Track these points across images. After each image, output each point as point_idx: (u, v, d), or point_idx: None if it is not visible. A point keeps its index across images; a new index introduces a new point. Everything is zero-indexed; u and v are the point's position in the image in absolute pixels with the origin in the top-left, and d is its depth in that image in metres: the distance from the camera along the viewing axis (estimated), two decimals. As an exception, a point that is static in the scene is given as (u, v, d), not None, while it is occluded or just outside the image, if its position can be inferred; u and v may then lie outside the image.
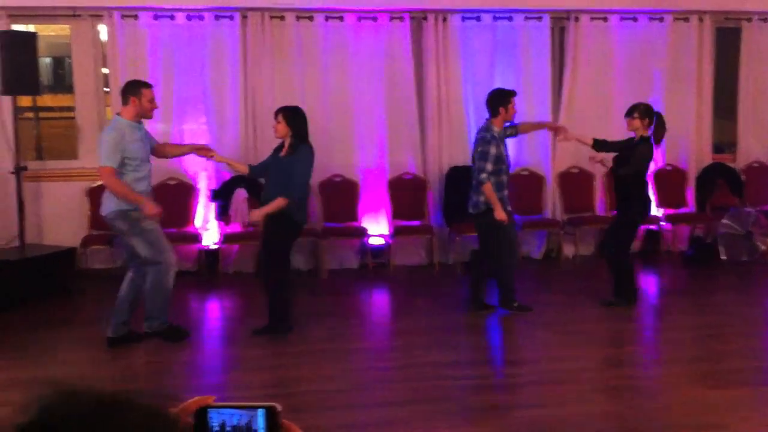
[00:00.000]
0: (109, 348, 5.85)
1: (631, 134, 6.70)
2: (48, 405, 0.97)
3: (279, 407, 1.21)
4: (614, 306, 6.75)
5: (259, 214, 5.95)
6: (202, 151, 6.30)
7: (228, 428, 1.20)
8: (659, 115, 6.66)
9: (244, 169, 6.35)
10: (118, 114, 5.84)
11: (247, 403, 1.22)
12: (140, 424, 0.99)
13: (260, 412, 1.20)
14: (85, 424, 0.96)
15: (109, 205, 5.74)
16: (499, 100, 6.47)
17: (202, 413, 1.20)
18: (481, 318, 6.63)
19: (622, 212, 6.76)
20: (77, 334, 6.46)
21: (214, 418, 1.20)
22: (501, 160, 6.40)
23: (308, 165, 6.00)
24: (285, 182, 5.85)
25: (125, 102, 5.77)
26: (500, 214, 6.33)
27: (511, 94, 6.55)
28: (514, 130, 6.74)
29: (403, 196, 8.53)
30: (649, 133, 6.58)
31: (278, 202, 5.81)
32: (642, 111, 6.60)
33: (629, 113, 6.65)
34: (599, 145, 6.93)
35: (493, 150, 6.34)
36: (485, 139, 6.40)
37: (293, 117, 6.00)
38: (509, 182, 6.63)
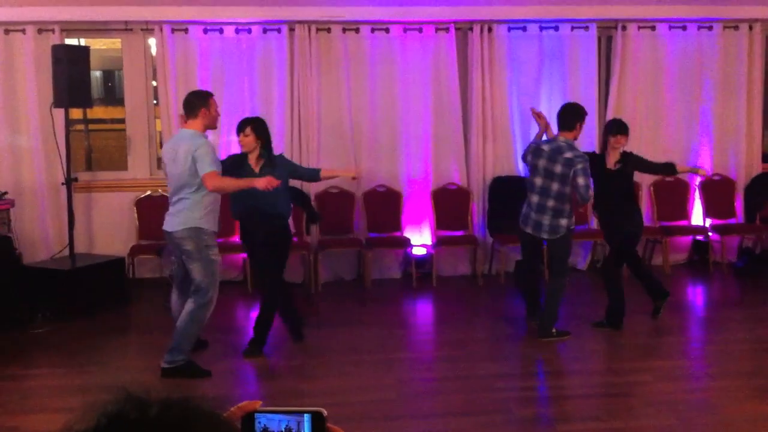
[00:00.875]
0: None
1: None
2: (116, 411, 0.99)
3: (325, 412, 1.22)
4: (605, 328, 6.55)
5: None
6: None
7: None
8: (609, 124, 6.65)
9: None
10: (188, 129, 5.55)
11: (293, 408, 1.23)
12: (205, 429, 1.01)
13: (306, 417, 1.22)
14: (153, 429, 0.97)
15: (180, 222, 5.46)
16: (578, 116, 6.22)
17: (249, 418, 1.22)
18: (529, 330, 6.59)
19: (630, 224, 6.53)
20: (130, 342, 6.55)
21: (261, 423, 1.22)
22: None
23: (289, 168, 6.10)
24: (279, 193, 5.67)
25: (194, 114, 5.53)
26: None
27: (586, 113, 6.35)
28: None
29: (446, 206, 8.53)
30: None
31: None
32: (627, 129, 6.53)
33: (623, 131, 6.43)
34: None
35: (588, 166, 6.06)
36: (582, 156, 6.07)
37: (262, 128, 5.91)
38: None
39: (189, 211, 5.45)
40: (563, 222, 6.13)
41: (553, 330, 6.32)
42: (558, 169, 6.06)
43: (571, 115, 6.20)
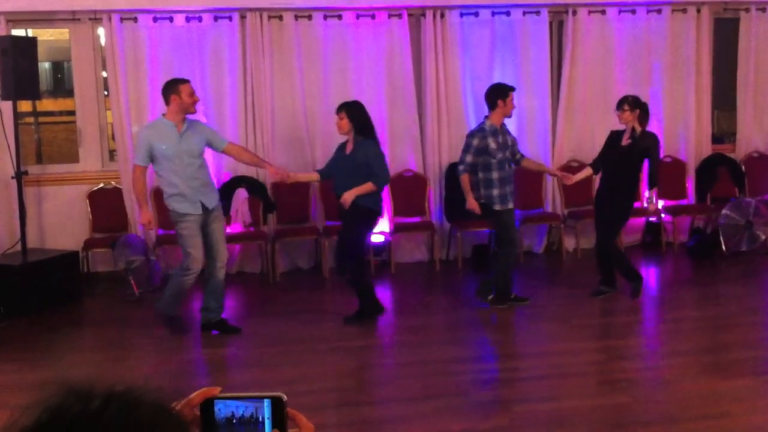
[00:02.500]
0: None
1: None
2: (57, 404, 0.98)
3: (285, 397, 1.22)
4: (604, 294, 6.90)
5: (349, 195, 6.13)
6: (278, 175, 6.39)
7: (234, 419, 1.22)
8: (645, 106, 6.75)
9: (315, 177, 6.68)
10: (162, 115, 6.06)
11: (253, 393, 1.23)
12: (149, 421, 1.00)
13: (266, 402, 1.21)
14: (95, 422, 0.97)
15: (167, 202, 6.11)
16: (498, 93, 6.57)
17: (208, 405, 1.22)
18: (485, 313, 6.65)
19: (628, 202, 6.79)
20: (85, 336, 6.48)
21: (221, 410, 1.22)
22: (491, 154, 6.46)
23: (383, 156, 6.28)
24: (360, 174, 6.09)
25: (167, 102, 5.98)
26: (471, 203, 6.51)
27: (510, 88, 6.64)
28: (517, 161, 6.83)
29: (403, 193, 8.54)
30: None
31: (368, 186, 6.10)
32: (631, 103, 6.67)
33: (619, 106, 6.71)
34: (596, 166, 7.04)
35: (475, 142, 6.49)
36: (471, 131, 6.64)
37: (355, 112, 6.20)
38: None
39: (165, 193, 6.07)
40: (495, 191, 6.54)
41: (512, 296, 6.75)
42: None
43: (491, 95, 6.60)
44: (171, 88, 5.98)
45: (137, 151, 6.02)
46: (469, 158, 6.50)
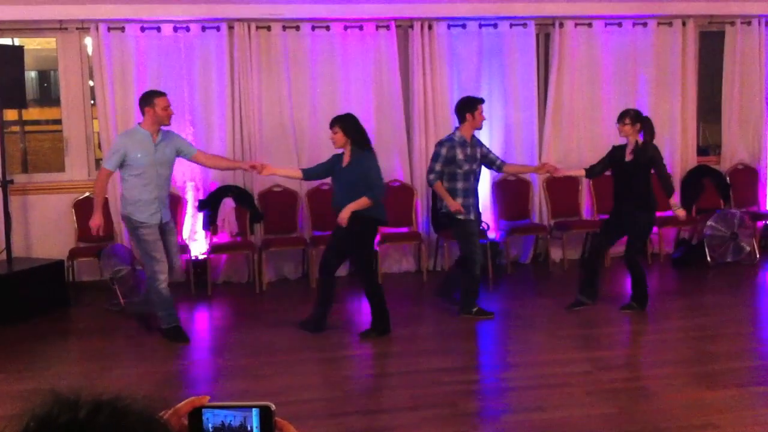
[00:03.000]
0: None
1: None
2: (44, 414, 0.98)
3: (273, 406, 1.22)
4: (633, 310, 6.85)
5: (346, 212, 6.14)
6: (256, 168, 6.43)
7: (223, 428, 1.21)
8: (648, 120, 6.74)
9: (297, 175, 6.67)
10: (138, 124, 6.20)
11: (241, 402, 1.23)
12: (137, 429, 1.00)
13: (254, 412, 1.21)
14: (79, 429, 0.97)
15: (122, 208, 6.23)
16: (466, 106, 6.66)
17: (196, 414, 1.21)
18: (473, 323, 6.65)
19: (645, 215, 6.77)
20: (72, 346, 6.44)
21: (209, 419, 1.22)
22: (458, 164, 6.53)
23: (378, 168, 6.30)
24: (359, 187, 6.11)
25: (142, 113, 6.11)
26: (453, 205, 6.53)
27: (479, 101, 6.73)
28: (498, 166, 6.88)
29: (390, 204, 8.49)
30: (640, 137, 6.64)
31: (363, 201, 6.11)
32: (633, 116, 6.67)
33: (620, 119, 6.70)
34: (592, 172, 7.05)
35: (443, 151, 6.56)
36: (440, 141, 6.72)
37: (349, 125, 6.22)
38: (495, 187, 6.74)
39: (123, 198, 6.19)
40: (442, 204, 6.69)
41: (475, 308, 6.75)
42: None
43: (460, 109, 6.70)
44: (146, 100, 6.11)
45: (110, 156, 6.09)
46: (437, 167, 6.59)
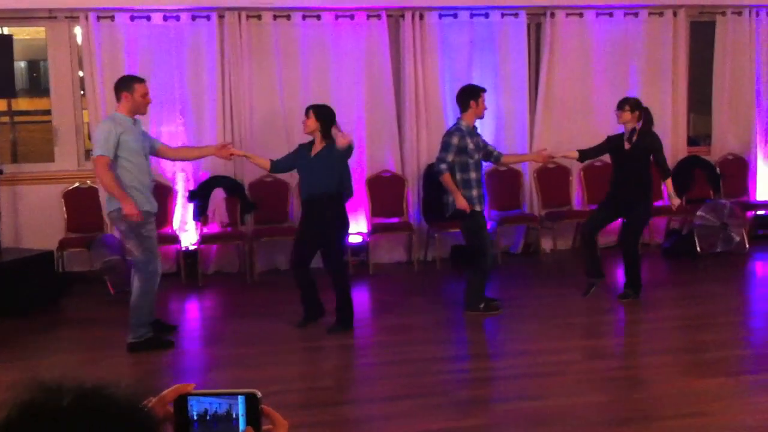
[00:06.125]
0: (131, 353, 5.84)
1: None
2: (27, 401, 0.98)
3: (259, 394, 1.21)
4: (630, 298, 6.85)
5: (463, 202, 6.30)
6: (222, 151, 6.29)
7: (208, 415, 1.20)
8: (647, 109, 6.76)
9: (265, 164, 6.47)
10: (117, 110, 5.82)
11: (226, 390, 1.22)
12: (119, 417, 1.00)
13: (240, 399, 1.20)
14: (65, 418, 0.97)
15: (112, 203, 5.72)
16: (470, 94, 6.49)
17: (181, 401, 1.20)
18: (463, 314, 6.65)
19: (644, 204, 6.81)
20: (61, 337, 6.41)
21: (194, 406, 1.20)
22: (469, 154, 6.40)
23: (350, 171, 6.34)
24: (333, 177, 6.04)
25: (118, 99, 5.77)
26: (462, 202, 6.36)
27: (482, 89, 6.59)
28: (496, 157, 6.80)
29: (381, 194, 8.53)
30: (638, 125, 6.65)
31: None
32: (633, 104, 6.69)
33: (620, 106, 6.72)
34: (585, 155, 7.06)
35: (455, 140, 6.36)
36: (448, 131, 6.51)
37: (324, 114, 6.19)
38: (486, 177, 6.70)
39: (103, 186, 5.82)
40: (450, 198, 6.45)
41: (482, 304, 6.54)
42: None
43: (463, 96, 6.52)
44: (125, 85, 5.77)
45: (105, 143, 5.58)
46: (449, 157, 6.35)
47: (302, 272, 6.28)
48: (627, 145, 6.70)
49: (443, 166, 6.37)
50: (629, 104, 6.69)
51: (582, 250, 7.24)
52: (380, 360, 5.73)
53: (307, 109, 6.30)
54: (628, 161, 6.68)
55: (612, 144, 6.84)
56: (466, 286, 6.64)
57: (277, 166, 6.46)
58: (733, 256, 8.43)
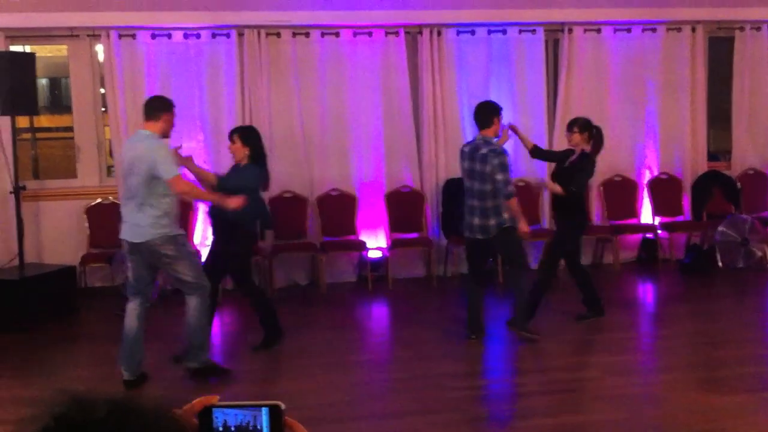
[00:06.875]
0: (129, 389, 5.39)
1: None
2: (60, 412, 0.99)
3: (283, 405, 1.22)
4: (589, 319, 6.67)
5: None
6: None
7: (232, 427, 1.22)
8: (598, 129, 6.58)
9: (213, 180, 6.12)
10: (146, 130, 5.43)
11: (250, 402, 1.23)
12: (152, 427, 1.02)
13: (264, 411, 1.22)
14: (98, 429, 0.98)
15: (153, 231, 5.31)
16: (495, 109, 6.25)
17: (206, 413, 1.22)
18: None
19: (567, 225, 6.66)
20: (81, 351, 6.47)
21: (218, 418, 1.22)
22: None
23: (256, 180, 6.00)
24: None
25: (156, 118, 5.42)
26: (526, 227, 6.14)
27: (500, 107, 6.39)
28: None
29: (400, 209, 8.56)
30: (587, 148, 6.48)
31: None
32: (582, 125, 6.50)
33: (569, 128, 6.57)
34: (537, 152, 6.92)
35: (505, 160, 6.05)
36: (494, 150, 6.03)
37: (250, 137, 6.06)
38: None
39: (160, 218, 5.32)
40: (492, 221, 6.04)
41: (527, 328, 6.24)
42: (477, 167, 6.05)
43: (487, 112, 6.19)
44: (167, 107, 5.52)
45: (172, 161, 5.34)
46: (510, 177, 6.09)
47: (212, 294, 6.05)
48: (567, 164, 6.56)
49: (511, 188, 6.02)
50: (578, 125, 6.49)
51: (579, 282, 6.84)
52: (394, 375, 5.74)
53: (231, 134, 6.10)
54: (561, 178, 6.49)
55: (561, 157, 6.72)
56: (517, 303, 6.32)
57: (218, 182, 6.10)
58: (754, 272, 8.36)
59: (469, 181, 6.15)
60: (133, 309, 5.53)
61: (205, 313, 5.61)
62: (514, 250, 6.25)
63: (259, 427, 1.21)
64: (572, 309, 7.05)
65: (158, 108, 5.49)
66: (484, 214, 6.06)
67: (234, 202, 5.49)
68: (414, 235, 8.60)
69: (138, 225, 5.34)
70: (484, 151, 6.02)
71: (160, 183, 5.26)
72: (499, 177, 5.95)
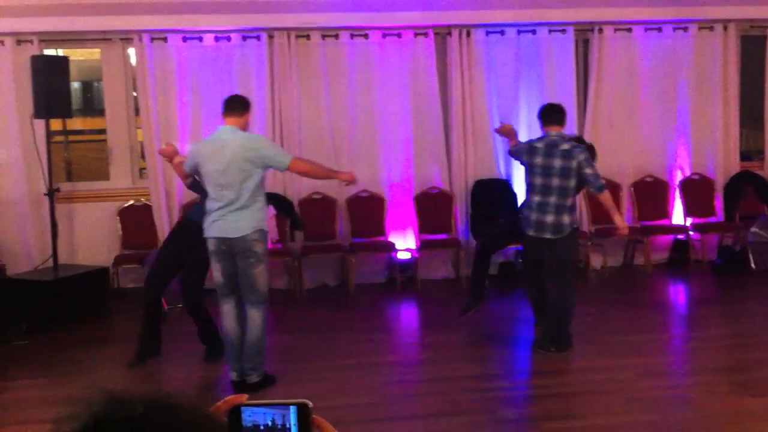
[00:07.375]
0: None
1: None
2: (99, 411, 1.01)
3: (310, 404, 1.23)
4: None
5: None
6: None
7: (261, 426, 1.23)
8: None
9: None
10: (231, 126, 5.36)
11: (279, 401, 1.24)
12: (190, 424, 1.03)
13: (292, 409, 1.23)
14: (140, 427, 1.00)
15: (249, 224, 5.24)
16: (565, 113, 6.15)
17: (235, 412, 1.24)
18: (511, 331, 6.63)
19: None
20: (114, 352, 6.53)
21: (247, 417, 1.24)
22: None
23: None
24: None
25: (240, 114, 5.38)
26: (622, 222, 6.03)
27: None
28: None
29: (429, 210, 8.56)
30: None
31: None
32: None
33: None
34: (513, 150, 6.51)
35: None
36: (579, 147, 5.90)
37: None
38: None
39: (258, 212, 5.29)
40: (566, 219, 5.89)
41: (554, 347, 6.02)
42: (557, 163, 5.86)
43: (563, 112, 6.09)
44: (249, 105, 5.53)
45: (280, 147, 5.96)
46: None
47: (155, 303, 6.11)
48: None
49: (602, 181, 5.95)
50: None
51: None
52: (426, 377, 5.74)
53: None
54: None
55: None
56: (557, 315, 6.06)
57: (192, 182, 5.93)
58: (787, 274, 8.25)
59: (543, 178, 5.91)
60: (228, 311, 5.48)
61: (266, 324, 5.49)
62: (572, 255, 6.15)
63: (288, 426, 1.23)
64: (604, 310, 7.01)
65: (245, 105, 5.49)
66: (560, 211, 5.87)
67: (346, 176, 5.60)
68: (443, 236, 8.59)
69: (237, 219, 5.25)
70: (566, 146, 5.87)
71: (260, 176, 5.25)
72: (589, 171, 5.84)
